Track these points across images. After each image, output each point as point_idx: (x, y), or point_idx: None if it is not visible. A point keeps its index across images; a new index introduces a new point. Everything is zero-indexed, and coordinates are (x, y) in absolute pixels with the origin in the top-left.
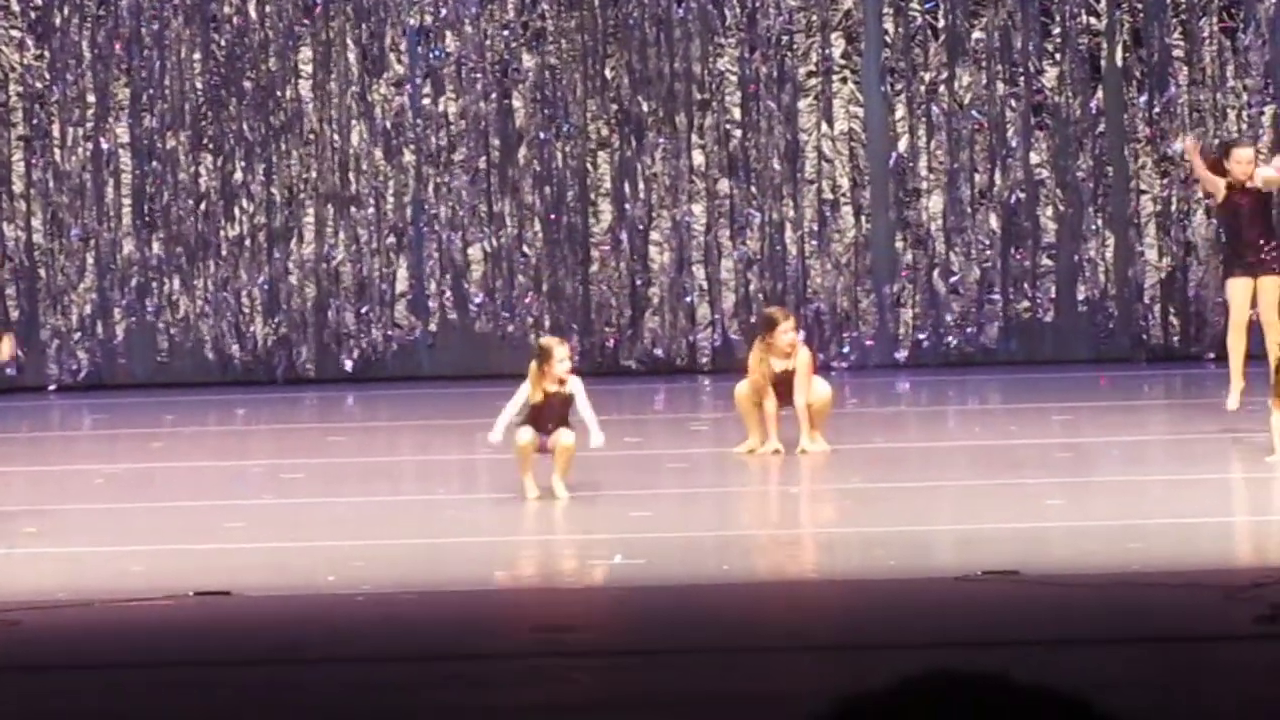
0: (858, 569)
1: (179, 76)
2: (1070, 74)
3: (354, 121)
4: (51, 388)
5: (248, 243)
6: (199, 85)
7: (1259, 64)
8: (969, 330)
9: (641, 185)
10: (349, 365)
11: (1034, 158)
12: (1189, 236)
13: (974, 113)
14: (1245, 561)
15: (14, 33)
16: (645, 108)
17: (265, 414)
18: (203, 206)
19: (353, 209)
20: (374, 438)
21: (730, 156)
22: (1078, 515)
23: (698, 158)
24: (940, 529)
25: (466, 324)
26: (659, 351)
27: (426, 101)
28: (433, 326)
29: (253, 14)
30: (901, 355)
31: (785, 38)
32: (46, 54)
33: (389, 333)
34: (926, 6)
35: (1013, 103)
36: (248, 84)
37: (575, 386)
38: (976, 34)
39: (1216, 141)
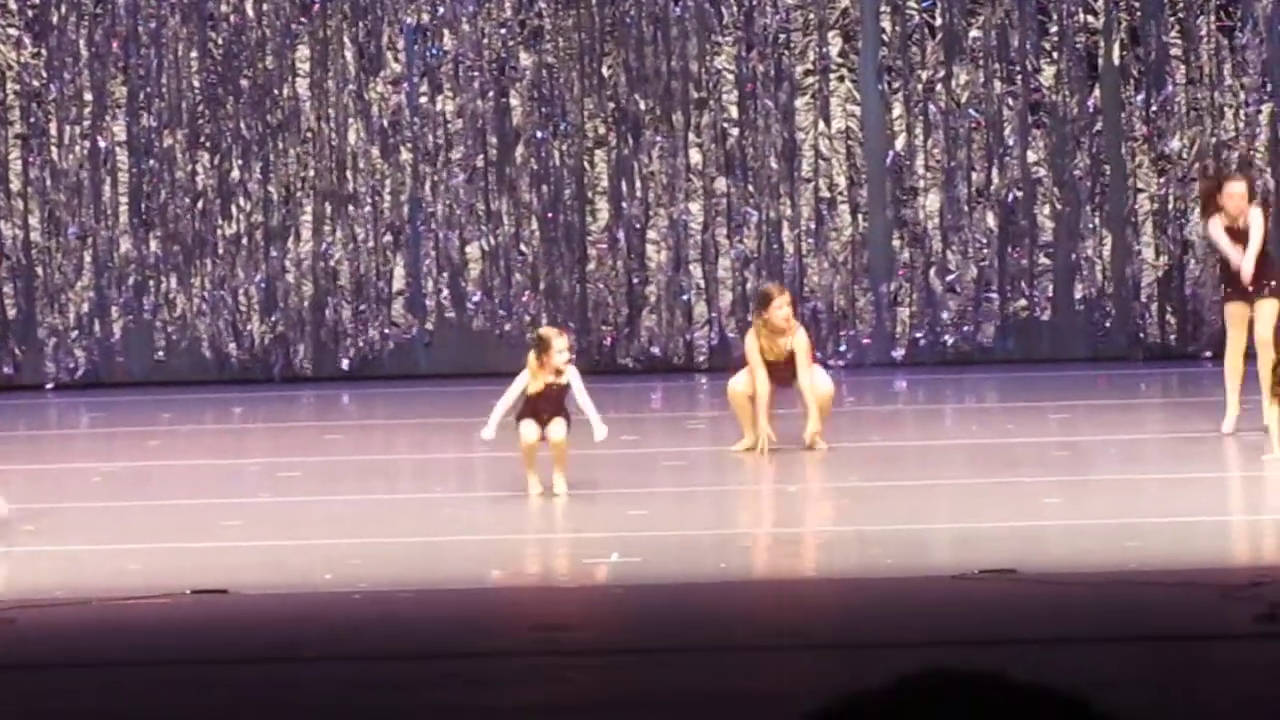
0: (855, 567)
1: (176, 75)
2: (1067, 72)
3: (351, 120)
4: (49, 386)
5: (245, 241)
6: (196, 83)
7: (1256, 63)
8: (966, 329)
9: (638, 184)
10: (346, 363)
11: (1031, 156)
12: (1186, 235)
13: (971, 111)
14: (1242, 560)
15: (11, 31)
16: (642, 106)
17: (262, 412)
18: (200, 205)
19: (350, 207)
20: (371, 436)
21: (727, 155)
22: (1075, 514)
23: (695, 156)
24: (937, 527)
25: (464, 322)
26: (656, 350)
27: (424, 100)
28: (430, 325)
29: (250, 12)
30: (898, 354)
31: (782, 36)
32: (44, 52)
33: (386, 331)
34: (924, 5)
35: (1010, 101)
36: (245, 82)
37: (572, 376)
38: (974, 32)
39: (1208, 168)
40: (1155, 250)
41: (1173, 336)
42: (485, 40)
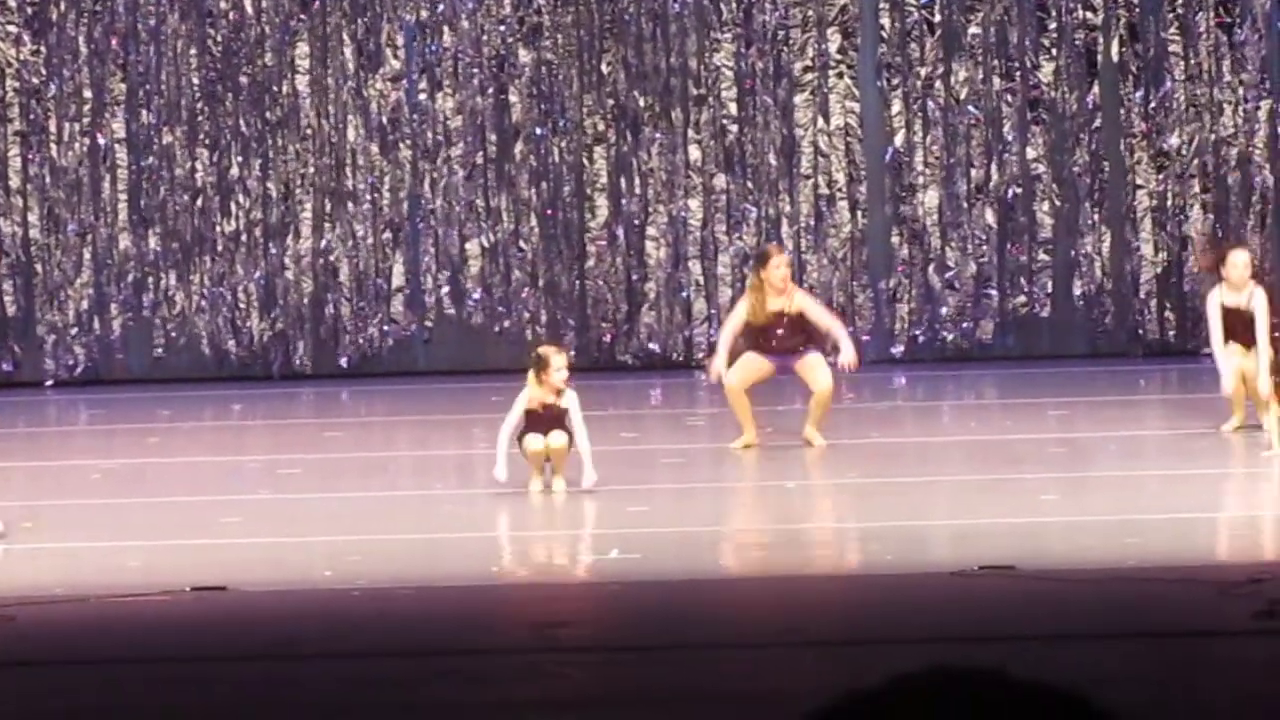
0: (854, 564)
1: (175, 72)
2: (1066, 69)
3: (350, 117)
4: (48, 383)
5: (244, 238)
6: (195, 80)
7: (1255, 59)
8: (965, 325)
9: (638, 180)
10: (345, 360)
11: (1030, 153)
12: (1185, 231)
13: (970, 108)
14: (1242, 556)
15: (10, 27)
16: (641, 103)
17: (261, 409)
18: (199, 202)
19: (349, 204)
20: (370, 433)
21: (726, 151)
22: (1074, 510)
23: (694, 153)
24: (937, 524)
25: (463, 319)
26: (655, 346)
27: (423, 97)
28: (429, 321)
29: (249, 9)
30: (898, 350)
31: (781, 33)
32: (43, 49)
33: (385, 328)
34: (923, 2)
35: (1009, 98)
36: (244, 79)
37: (570, 402)
38: (973, 29)
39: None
40: (1154, 246)
41: (1172, 333)
42: (484, 37)
